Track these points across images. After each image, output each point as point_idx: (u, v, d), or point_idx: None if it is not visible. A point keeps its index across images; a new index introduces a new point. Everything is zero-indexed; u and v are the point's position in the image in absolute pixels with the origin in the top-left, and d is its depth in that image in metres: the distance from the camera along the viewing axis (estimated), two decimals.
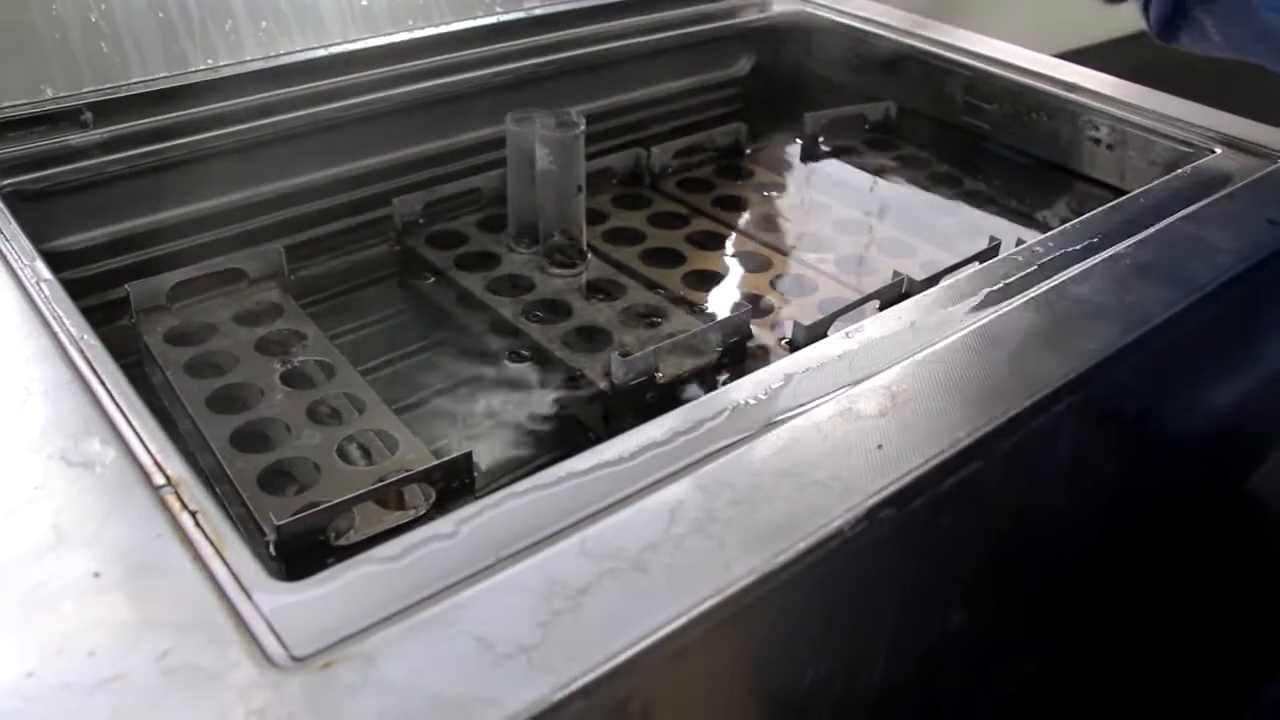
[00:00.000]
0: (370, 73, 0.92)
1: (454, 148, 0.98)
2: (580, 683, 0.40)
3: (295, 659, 0.40)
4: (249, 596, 0.43)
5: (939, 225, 0.97)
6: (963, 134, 1.09)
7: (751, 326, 0.77)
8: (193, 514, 0.46)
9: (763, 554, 0.46)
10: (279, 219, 0.89)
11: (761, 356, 0.76)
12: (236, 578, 0.44)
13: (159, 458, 0.49)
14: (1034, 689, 0.83)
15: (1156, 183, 0.83)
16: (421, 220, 0.90)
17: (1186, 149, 0.92)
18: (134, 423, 0.51)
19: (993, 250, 0.83)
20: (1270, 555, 1.01)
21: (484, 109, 0.98)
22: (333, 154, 0.91)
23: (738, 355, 0.75)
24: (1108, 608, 0.90)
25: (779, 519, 0.48)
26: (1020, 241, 0.80)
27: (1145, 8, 0.77)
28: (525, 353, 0.77)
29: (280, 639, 0.41)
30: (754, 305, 0.81)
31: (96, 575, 0.43)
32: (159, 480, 0.48)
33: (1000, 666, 0.78)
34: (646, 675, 0.43)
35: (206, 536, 0.45)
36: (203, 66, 0.86)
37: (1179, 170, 0.86)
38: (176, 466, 0.49)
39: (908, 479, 0.51)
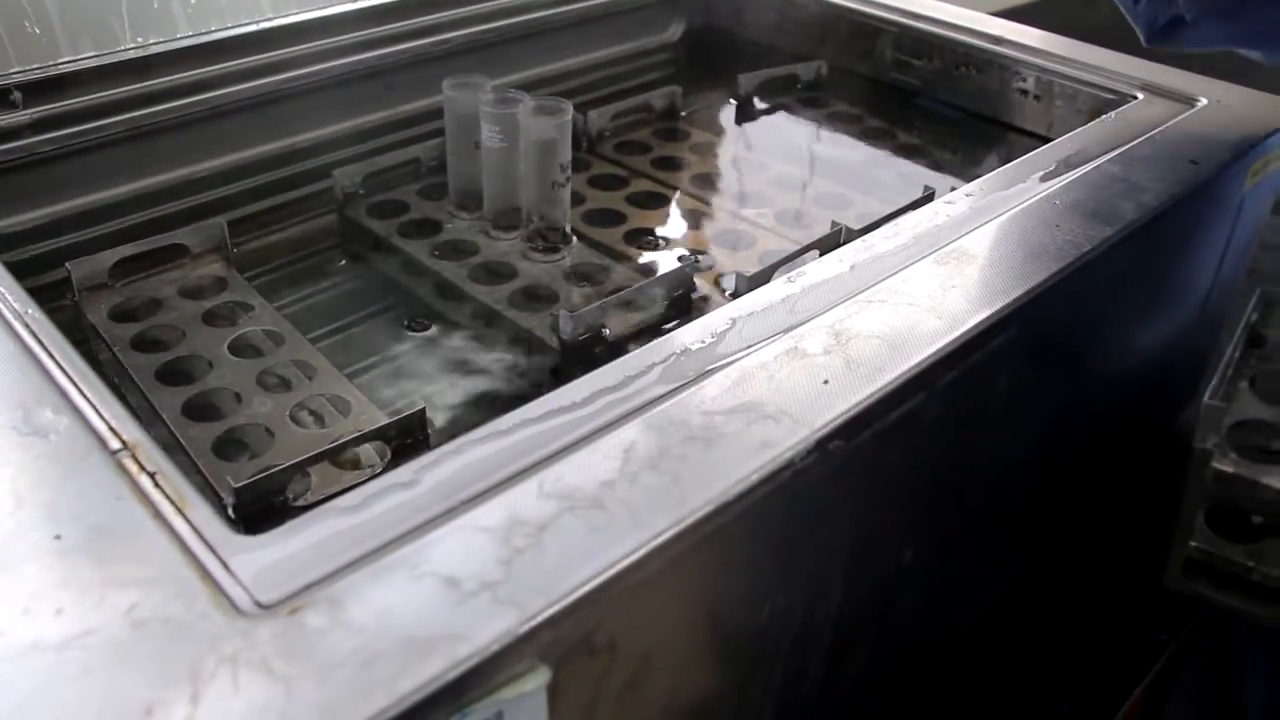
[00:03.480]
0: (305, 46, 0.91)
1: (392, 119, 0.98)
2: (545, 615, 0.41)
3: (262, 606, 0.41)
4: (213, 550, 0.43)
5: (874, 178, 0.98)
6: (893, 90, 1.11)
7: (695, 279, 0.78)
8: (151, 475, 0.47)
9: (717, 486, 0.47)
10: (219, 195, 0.88)
11: (706, 308, 0.77)
12: (199, 533, 0.44)
13: (113, 423, 0.49)
14: (987, 620, 0.85)
15: (1083, 129, 0.85)
16: (362, 191, 0.90)
17: (1110, 96, 0.95)
18: (86, 391, 0.51)
19: (927, 199, 0.85)
20: None
21: (420, 80, 0.98)
22: (270, 128, 0.91)
23: (683, 308, 0.77)
24: (1054, 541, 0.92)
25: (731, 454, 0.49)
26: (954, 190, 0.82)
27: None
28: (473, 314, 0.78)
29: (246, 588, 0.41)
30: (696, 259, 0.82)
31: (58, 538, 0.43)
32: (115, 445, 0.48)
33: (953, 599, 0.80)
34: (610, 607, 0.44)
35: (167, 496, 0.46)
36: (131, 45, 0.85)
37: (1104, 116, 0.88)
38: (132, 431, 0.49)
39: (855, 411, 0.52)
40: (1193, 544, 0.64)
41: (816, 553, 0.58)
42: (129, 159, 0.84)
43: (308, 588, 0.42)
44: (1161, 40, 0.80)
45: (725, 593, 0.53)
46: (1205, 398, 0.62)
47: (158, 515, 0.45)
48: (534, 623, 0.41)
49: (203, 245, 0.79)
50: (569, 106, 0.79)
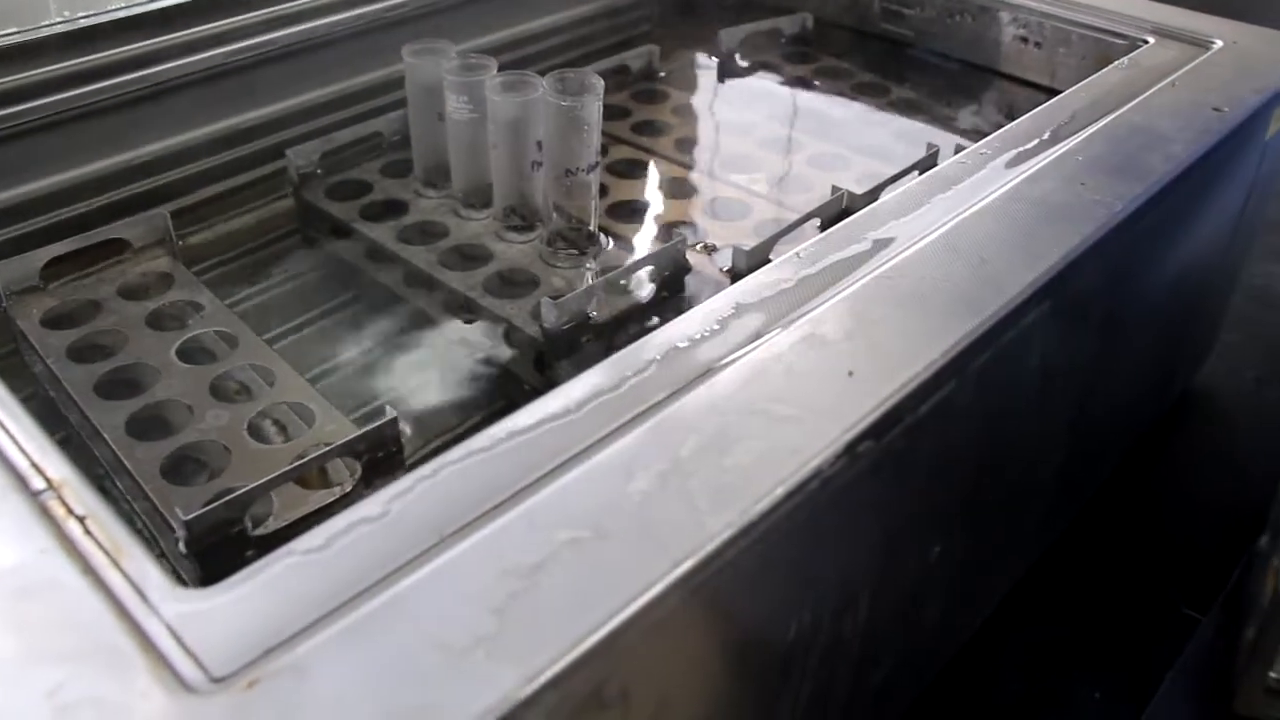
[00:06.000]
0: (250, 15, 0.84)
1: (349, 91, 0.90)
2: (549, 674, 0.35)
3: (214, 680, 0.34)
4: (154, 610, 0.37)
5: (870, 137, 0.92)
6: (884, 42, 1.04)
7: (687, 256, 0.72)
8: (80, 520, 0.40)
9: (738, 505, 0.41)
10: (162, 181, 0.81)
11: (702, 288, 0.71)
12: (138, 589, 0.37)
13: (36, 458, 0.43)
14: (1012, 603, 0.80)
15: (1096, 76, 0.79)
16: (319, 171, 0.82)
17: (1119, 41, 0.89)
18: (3, 420, 0.45)
19: (932, 158, 0.79)
20: (1225, 452, 0.99)
21: (378, 47, 0.90)
22: (216, 106, 0.83)
23: (676, 288, 0.70)
24: (1077, 516, 0.87)
25: (750, 463, 0.43)
26: (959, 148, 0.76)
27: None
28: (445, 303, 0.71)
29: (195, 657, 0.35)
30: (687, 234, 0.75)
31: None
32: (38, 484, 0.42)
33: (979, 587, 0.75)
34: (622, 654, 0.38)
35: (99, 544, 0.39)
36: (59, 19, 0.77)
37: (1116, 63, 0.82)
38: (58, 466, 0.42)
39: (885, 407, 0.46)
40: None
41: (844, 560, 0.52)
42: (59, 146, 0.76)
43: (267, 654, 0.35)
44: None
45: (748, 617, 0.47)
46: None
47: (89, 570, 0.38)
48: (536, 684, 0.34)
49: (144, 239, 0.72)
50: (538, 81, 0.71)
